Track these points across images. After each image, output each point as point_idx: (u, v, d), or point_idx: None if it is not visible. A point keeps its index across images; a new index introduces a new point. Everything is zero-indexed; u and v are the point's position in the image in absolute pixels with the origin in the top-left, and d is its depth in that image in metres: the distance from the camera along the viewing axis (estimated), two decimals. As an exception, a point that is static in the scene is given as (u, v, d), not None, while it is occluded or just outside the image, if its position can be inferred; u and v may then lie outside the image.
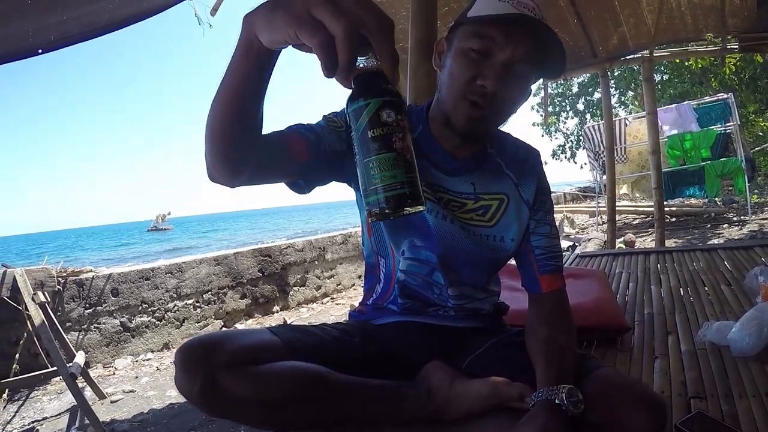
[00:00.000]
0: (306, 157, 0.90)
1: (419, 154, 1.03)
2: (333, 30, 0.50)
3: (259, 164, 0.80)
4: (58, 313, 3.42)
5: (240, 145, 0.73)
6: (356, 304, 1.27)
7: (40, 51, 2.04)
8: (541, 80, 4.33)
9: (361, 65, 0.55)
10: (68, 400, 2.88)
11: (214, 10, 2.75)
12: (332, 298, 5.39)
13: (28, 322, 2.95)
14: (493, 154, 1.09)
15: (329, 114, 1.00)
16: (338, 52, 0.51)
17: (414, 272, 1.08)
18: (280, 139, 0.88)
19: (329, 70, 0.51)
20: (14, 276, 3.02)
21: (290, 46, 0.58)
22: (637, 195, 10.38)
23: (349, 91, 0.57)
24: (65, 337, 3.12)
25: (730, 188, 8.13)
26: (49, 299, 3.20)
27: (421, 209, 0.58)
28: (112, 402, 2.94)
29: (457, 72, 0.94)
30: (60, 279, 3.54)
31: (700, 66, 10.50)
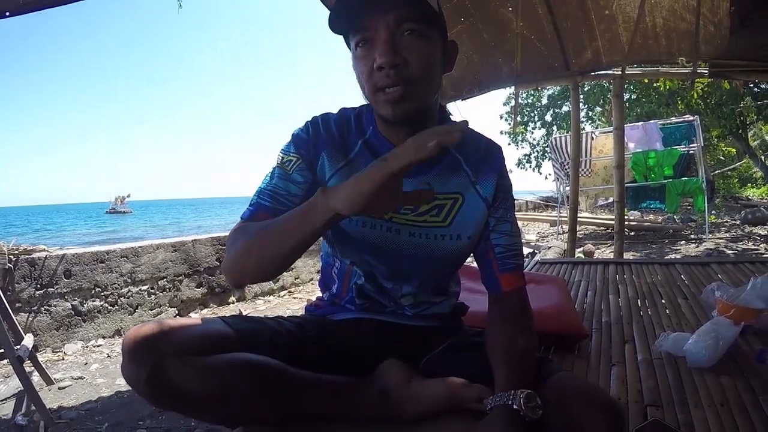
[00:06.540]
0: None
1: (373, 159, 1.01)
2: None
3: None
4: (8, 293, 3.27)
5: (281, 268, 0.88)
6: (313, 299, 1.24)
7: (7, 14, 1.94)
8: (512, 88, 4.36)
9: None
10: (15, 384, 2.75)
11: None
12: (290, 292, 5.32)
13: (-25, 301, 2.82)
14: (450, 149, 1.03)
15: (283, 158, 1.01)
16: None
17: (368, 280, 1.07)
18: None
19: None
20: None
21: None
22: (601, 200, 10.62)
23: None
24: (14, 318, 2.98)
25: (689, 207, 8.38)
26: (-2, 278, 3.07)
27: None
28: (60, 388, 2.83)
29: (359, 71, 0.92)
30: (12, 257, 3.41)
31: (668, 88, 10.85)
